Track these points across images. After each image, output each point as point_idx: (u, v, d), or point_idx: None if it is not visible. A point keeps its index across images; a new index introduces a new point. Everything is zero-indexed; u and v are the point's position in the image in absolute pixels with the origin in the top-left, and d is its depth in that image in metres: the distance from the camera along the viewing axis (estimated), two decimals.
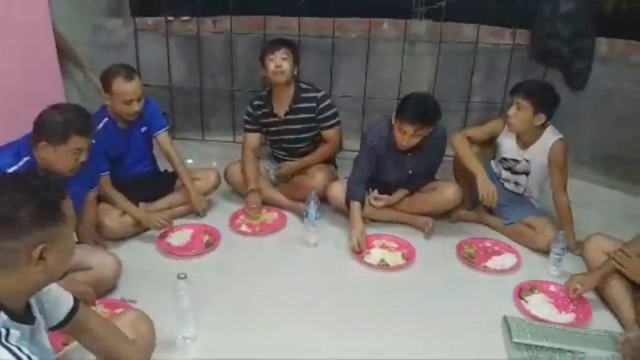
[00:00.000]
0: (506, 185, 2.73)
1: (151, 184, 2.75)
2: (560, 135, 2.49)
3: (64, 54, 2.99)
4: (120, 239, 2.53)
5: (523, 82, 2.59)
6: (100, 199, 2.48)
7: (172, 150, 2.72)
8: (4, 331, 1.00)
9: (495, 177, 2.74)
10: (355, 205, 2.57)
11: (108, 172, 2.48)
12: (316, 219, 2.51)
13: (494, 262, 2.45)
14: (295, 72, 2.75)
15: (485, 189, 2.45)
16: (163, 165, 2.88)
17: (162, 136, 2.71)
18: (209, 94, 3.60)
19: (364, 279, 2.35)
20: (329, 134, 2.80)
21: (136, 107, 2.44)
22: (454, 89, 3.41)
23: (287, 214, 2.85)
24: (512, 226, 2.67)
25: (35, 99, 2.03)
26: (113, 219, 2.49)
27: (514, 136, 2.58)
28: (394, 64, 3.37)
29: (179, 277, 1.81)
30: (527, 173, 2.62)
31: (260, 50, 2.78)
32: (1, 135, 1.97)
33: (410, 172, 2.67)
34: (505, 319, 2.01)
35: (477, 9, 3.15)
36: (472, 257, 2.47)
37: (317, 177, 2.76)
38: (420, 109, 2.41)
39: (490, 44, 3.28)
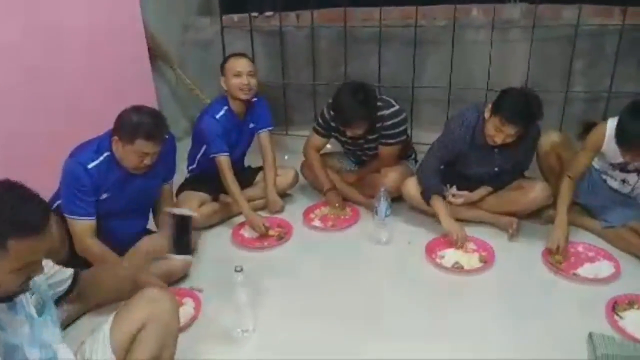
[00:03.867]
0: (609, 182, 2.42)
1: (236, 176, 2.80)
2: None
3: (155, 52, 3.17)
4: (196, 229, 2.61)
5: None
6: (178, 192, 2.59)
7: (270, 150, 2.78)
8: None
9: (597, 174, 2.45)
10: (439, 201, 2.44)
11: (228, 154, 2.58)
12: (386, 216, 2.41)
13: (585, 270, 2.18)
14: None
15: (556, 238, 2.25)
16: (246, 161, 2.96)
17: (265, 134, 2.79)
18: (292, 89, 3.62)
19: (434, 280, 2.21)
20: (385, 151, 2.66)
21: (245, 79, 2.54)
22: (552, 77, 3.11)
23: (361, 210, 2.77)
24: (613, 230, 2.36)
25: (127, 97, 2.17)
26: (192, 209, 2.57)
27: None
28: (484, 53, 3.14)
29: (236, 270, 1.82)
30: (638, 171, 2.29)
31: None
32: (95, 133, 2.07)
33: (496, 169, 2.47)
34: (590, 336, 1.76)
35: None
36: (560, 263, 2.22)
37: (390, 175, 2.66)
38: (525, 109, 2.18)
39: (595, 25, 2.93)
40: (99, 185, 2.00)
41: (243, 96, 2.58)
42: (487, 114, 2.28)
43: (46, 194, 2.07)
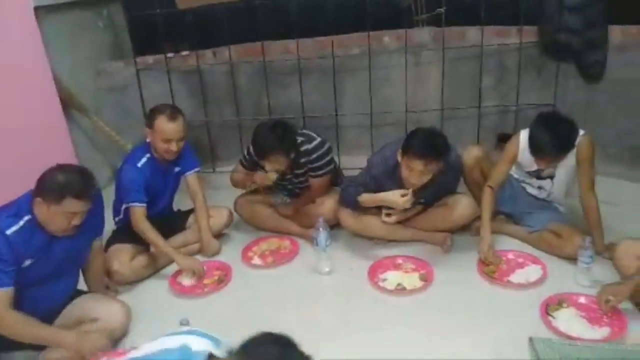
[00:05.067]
0: (529, 189, 2.59)
1: (166, 221, 2.72)
2: (583, 131, 2.32)
3: (68, 101, 3.03)
4: (131, 282, 2.50)
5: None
6: (107, 244, 2.47)
7: (200, 192, 2.71)
8: None
9: (516, 182, 2.61)
10: (364, 195, 2.48)
11: (145, 205, 2.48)
12: (327, 246, 2.43)
13: (517, 276, 2.31)
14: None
15: (484, 250, 2.37)
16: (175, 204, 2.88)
17: (193, 176, 2.72)
18: (215, 126, 3.59)
19: (381, 304, 2.25)
20: (316, 182, 2.71)
21: (174, 147, 2.46)
22: (465, 95, 3.30)
23: (300, 242, 2.77)
24: (536, 234, 2.52)
25: (42, 151, 2.04)
26: (123, 263, 2.46)
27: None
28: (399, 76, 3.29)
29: (181, 324, 1.76)
30: (552, 177, 2.46)
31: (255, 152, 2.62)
32: (7, 194, 1.93)
33: (422, 201, 2.55)
34: (531, 340, 1.86)
35: (480, 10, 3.03)
36: (493, 272, 2.33)
37: (325, 204, 2.70)
38: (428, 142, 2.26)
39: (497, 44, 3.16)
40: (20, 252, 1.85)
41: (168, 157, 2.53)
42: (399, 157, 2.34)
43: None
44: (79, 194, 1.83)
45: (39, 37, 2.76)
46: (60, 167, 1.88)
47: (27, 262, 1.89)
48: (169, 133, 2.44)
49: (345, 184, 2.66)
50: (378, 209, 2.58)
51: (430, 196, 2.54)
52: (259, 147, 2.54)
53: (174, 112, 2.48)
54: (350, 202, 2.55)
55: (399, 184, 2.42)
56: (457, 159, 2.52)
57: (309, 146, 2.60)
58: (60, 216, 1.84)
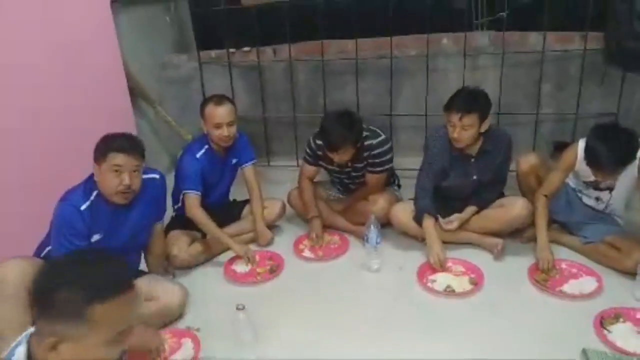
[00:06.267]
0: (585, 200, 2.53)
1: (222, 210, 2.83)
2: None
3: (134, 90, 3.18)
4: (188, 267, 2.61)
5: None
6: (167, 230, 2.59)
7: (255, 183, 2.80)
8: None
9: (573, 192, 2.56)
10: (429, 221, 2.52)
11: (199, 194, 2.58)
12: (377, 244, 2.46)
13: (571, 286, 2.27)
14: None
15: (546, 259, 2.34)
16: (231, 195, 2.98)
17: (249, 168, 2.81)
18: (272, 121, 3.68)
19: (429, 306, 2.26)
20: (373, 179, 2.74)
21: (225, 131, 2.55)
22: (522, 101, 3.26)
23: (350, 238, 2.82)
24: (592, 245, 2.46)
25: None
26: (181, 248, 2.58)
27: None
28: (456, 79, 3.28)
29: (237, 309, 1.84)
30: (610, 189, 2.41)
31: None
32: (76, 176, 2.08)
33: (475, 177, 2.57)
34: (584, 352, 1.84)
35: (543, 15, 2.99)
36: (545, 281, 2.31)
37: (378, 203, 2.73)
38: (460, 95, 2.43)
39: (559, 50, 3.11)
40: (91, 226, 2.00)
41: (223, 144, 2.62)
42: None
43: (27, 247, 2.06)
44: (121, 148, 1.96)
45: (113, 29, 2.92)
46: (108, 134, 2.03)
47: (96, 237, 2.03)
48: (217, 117, 2.52)
49: (415, 193, 2.64)
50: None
51: (481, 173, 2.56)
52: (327, 138, 2.53)
53: (221, 98, 2.60)
54: (417, 219, 2.59)
55: (455, 157, 2.54)
56: (507, 137, 2.57)
57: (374, 141, 2.63)
58: (109, 173, 1.95)
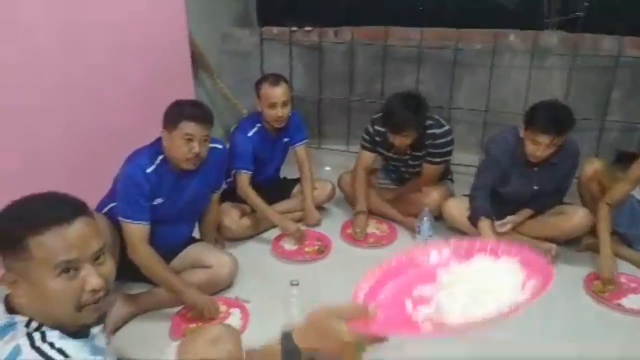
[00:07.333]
0: None
1: (272, 188, 2.84)
2: None
3: (196, 60, 3.20)
4: (237, 239, 2.63)
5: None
6: (221, 200, 2.61)
7: (306, 163, 2.80)
8: (37, 335, 0.98)
9: (637, 204, 2.48)
10: (486, 223, 2.44)
11: (250, 172, 2.60)
12: (429, 237, 2.43)
13: (630, 301, 2.19)
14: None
15: (609, 269, 2.25)
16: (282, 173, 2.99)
17: (301, 148, 2.81)
18: (326, 103, 3.66)
19: None
20: (430, 170, 2.69)
21: (279, 112, 2.55)
22: (587, 106, 3.14)
23: (398, 228, 2.79)
24: None
25: (169, 102, 2.21)
26: (233, 220, 2.61)
27: None
28: (520, 78, 3.19)
29: (292, 284, 1.84)
30: None
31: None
32: (137, 140, 2.11)
33: (535, 187, 2.50)
34: None
35: (619, 18, 2.87)
36: (602, 292, 2.24)
37: (432, 195, 2.69)
38: (553, 116, 2.25)
39: (635, 57, 2.98)
40: (155, 190, 2.03)
41: (276, 125, 2.62)
42: (521, 133, 2.34)
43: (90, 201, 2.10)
44: (193, 117, 1.98)
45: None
46: (178, 101, 2.05)
47: (158, 201, 2.06)
48: (272, 97, 2.52)
49: (471, 192, 2.58)
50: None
51: (543, 183, 2.48)
52: (391, 119, 2.49)
53: (277, 77, 2.59)
54: (472, 219, 2.52)
55: (521, 159, 2.42)
56: (575, 147, 2.46)
57: (437, 130, 2.58)
58: (179, 140, 1.97)
